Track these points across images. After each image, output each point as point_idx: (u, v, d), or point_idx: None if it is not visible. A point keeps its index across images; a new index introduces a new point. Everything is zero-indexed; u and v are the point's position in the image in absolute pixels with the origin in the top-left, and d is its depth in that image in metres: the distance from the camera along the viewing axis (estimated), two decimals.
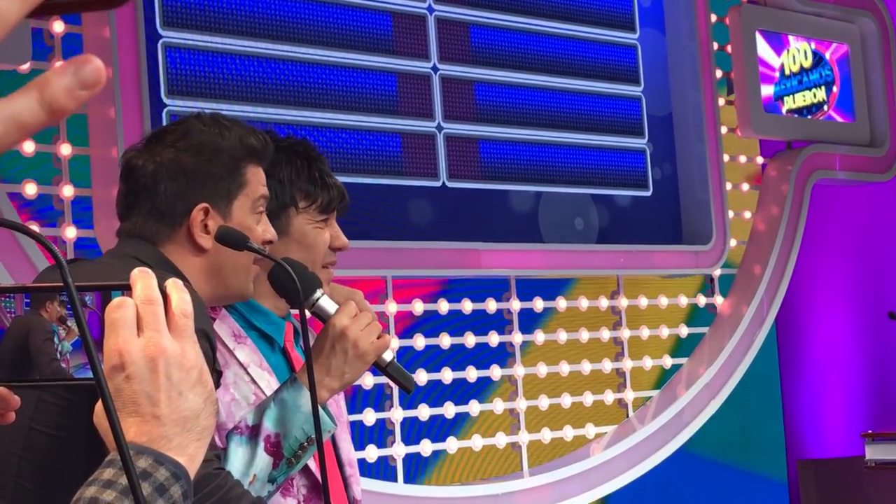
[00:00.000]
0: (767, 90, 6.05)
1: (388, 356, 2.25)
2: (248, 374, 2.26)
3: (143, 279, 1.15)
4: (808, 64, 6.27)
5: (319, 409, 2.16)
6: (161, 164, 2.09)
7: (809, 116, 6.24)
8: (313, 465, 2.28)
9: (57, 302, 1.15)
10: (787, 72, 6.18)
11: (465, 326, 4.98)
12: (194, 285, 2.07)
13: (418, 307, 4.84)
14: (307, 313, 2.20)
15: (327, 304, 2.24)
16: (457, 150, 5.03)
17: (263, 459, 2.16)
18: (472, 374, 4.96)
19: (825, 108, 6.33)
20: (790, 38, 6.20)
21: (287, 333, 2.38)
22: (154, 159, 2.10)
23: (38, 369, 1.17)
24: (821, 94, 6.31)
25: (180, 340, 1.15)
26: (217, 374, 1.94)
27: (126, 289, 1.15)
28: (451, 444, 4.87)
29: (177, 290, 1.16)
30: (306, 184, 2.36)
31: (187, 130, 2.12)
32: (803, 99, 6.23)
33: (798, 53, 6.23)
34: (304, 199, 2.36)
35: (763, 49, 6.07)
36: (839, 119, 6.38)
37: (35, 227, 3.81)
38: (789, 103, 6.16)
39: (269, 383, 2.27)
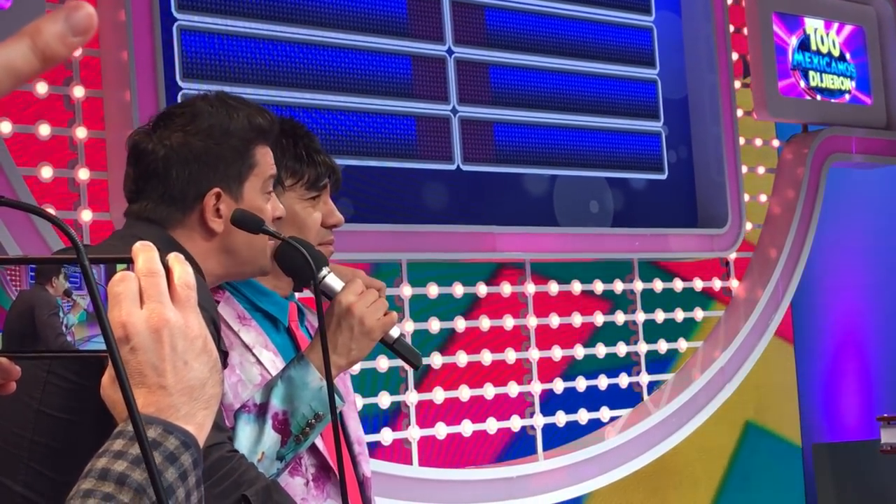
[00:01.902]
0: (784, 66, 6.02)
1: (395, 332, 2.24)
2: (253, 355, 2.26)
3: (144, 252, 1.15)
4: (836, 53, 6.26)
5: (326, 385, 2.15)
6: (171, 149, 2.09)
7: (833, 100, 6.22)
8: (322, 444, 2.27)
9: (62, 276, 1.15)
10: (813, 46, 6.15)
11: (480, 312, 4.99)
12: (205, 267, 2.07)
13: (433, 290, 4.85)
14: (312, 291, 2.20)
15: (333, 281, 2.24)
16: (471, 134, 5.03)
17: (271, 437, 2.15)
18: (486, 357, 4.96)
19: (846, 97, 6.31)
20: (806, 19, 6.18)
21: (291, 313, 2.38)
22: (164, 143, 2.10)
23: (45, 343, 1.16)
24: (848, 83, 6.30)
25: (183, 311, 1.15)
26: (223, 354, 1.94)
27: (130, 262, 1.16)
28: (466, 427, 4.88)
29: (179, 263, 1.17)
30: (291, 161, 2.36)
31: (195, 113, 2.12)
32: (831, 82, 6.22)
33: (826, 38, 6.22)
34: (290, 177, 2.36)
35: (779, 31, 6.05)
36: (857, 103, 6.36)
37: (51, 211, 3.82)
38: (815, 80, 6.14)
39: (275, 363, 2.27)
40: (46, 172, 3.96)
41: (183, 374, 1.14)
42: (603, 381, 5.33)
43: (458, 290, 4.91)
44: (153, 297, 1.14)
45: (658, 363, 5.55)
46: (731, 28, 5.89)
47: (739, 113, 5.86)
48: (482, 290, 4.99)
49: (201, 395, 1.15)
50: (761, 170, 6.03)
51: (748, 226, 5.82)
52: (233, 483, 1.93)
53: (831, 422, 6.32)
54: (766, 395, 6.01)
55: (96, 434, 1.90)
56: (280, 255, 2.21)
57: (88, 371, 1.86)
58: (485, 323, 4.97)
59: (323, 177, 2.38)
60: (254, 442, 2.15)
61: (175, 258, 1.17)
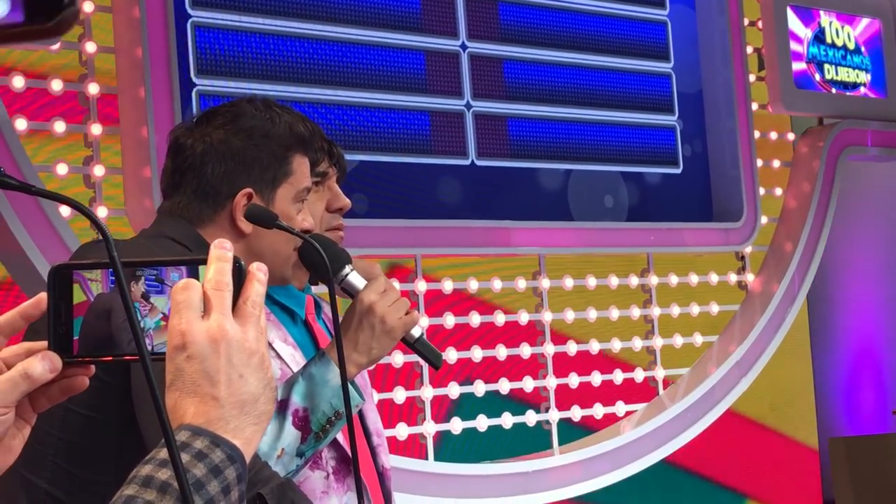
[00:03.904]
0: (799, 60, 6.00)
1: (417, 332, 2.23)
2: (272, 349, 2.26)
3: (217, 262, 1.15)
4: (851, 46, 6.24)
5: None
6: (210, 145, 2.11)
7: (849, 93, 6.20)
8: (342, 438, 2.27)
9: (141, 280, 1.16)
10: (828, 39, 6.13)
11: (494, 305, 4.99)
12: None
13: (447, 286, 4.85)
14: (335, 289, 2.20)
15: (356, 279, 2.23)
16: (486, 128, 5.03)
17: (291, 434, 2.15)
18: (501, 351, 4.96)
19: (861, 89, 6.29)
20: (821, 12, 6.16)
21: (308, 306, 2.38)
22: (204, 139, 2.12)
23: (119, 347, 1.19)
24: (863, 76, 6.28)
25: (244, 325, 1.15)
26: None
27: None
28: (482, 422, 4.88)
29: (254, 281, 1.16)
30: None
31: (238, 113, 2.14)
32: (847, 75, 6.20)
33: (841, 31, 6.20)
34: None
35: (794, 24, 6.03)
36: (873, 96, 6.34)
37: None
38: (830, 73, 6.11)
39: (294, 357, 2.26)
40: (62, 169, 3.97)
41: (237, 387, 1.14)
42: (618, 376, 5.32)
43: (473, 284, 4.91)
44: (216, 309, 1.14)
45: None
46: (746, 21, 5.87)
47: (754, 106, 5.84)
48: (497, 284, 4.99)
49: (253, 410, 1.15)
50: (776, 163, 6.02)
51: (763, 219, 5.80)
52: (248, 482, 1.92)
53: (848, 415, 6.30)
54: (782, 389, 5.99)
55: (119, 432, 1.91)
56: (303, 251, 2.21)
57: (114, 369, 1.86)
58: (500, 317, 4.97)
59: (320, 162, 2.35)
60: (274, 438, 2.15)
61: (254, 274, 1.16)
